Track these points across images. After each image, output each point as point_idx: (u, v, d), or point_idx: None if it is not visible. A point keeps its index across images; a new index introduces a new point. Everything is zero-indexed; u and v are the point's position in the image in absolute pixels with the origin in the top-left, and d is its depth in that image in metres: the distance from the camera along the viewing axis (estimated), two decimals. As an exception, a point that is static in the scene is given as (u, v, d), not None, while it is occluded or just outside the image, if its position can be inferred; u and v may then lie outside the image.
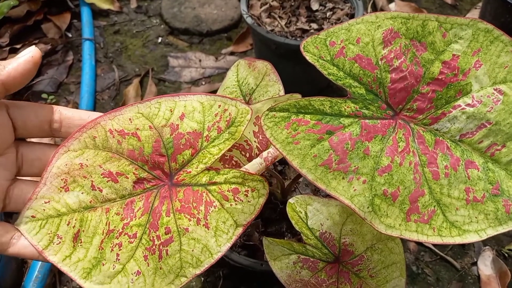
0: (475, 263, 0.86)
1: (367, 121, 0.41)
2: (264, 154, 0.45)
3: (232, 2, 1.34)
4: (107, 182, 0.43)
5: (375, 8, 1.38)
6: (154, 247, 0.41)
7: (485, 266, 0.85)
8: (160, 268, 0.41)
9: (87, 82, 1.07)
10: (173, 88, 1.14)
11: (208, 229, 0.41)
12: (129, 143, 0.43)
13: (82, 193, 0.43)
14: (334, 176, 0.39)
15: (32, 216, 0.43)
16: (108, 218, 0.43)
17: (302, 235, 0.48)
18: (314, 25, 0.99)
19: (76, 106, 1.05)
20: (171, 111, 0.43)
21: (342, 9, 1.02)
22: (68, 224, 0.42)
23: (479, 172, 0.40)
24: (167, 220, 0.42)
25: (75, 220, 0.43)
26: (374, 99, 0.42)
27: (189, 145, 0.43)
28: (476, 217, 0.39)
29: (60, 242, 0.42)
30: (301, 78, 1.02)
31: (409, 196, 0.39)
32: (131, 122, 0.43)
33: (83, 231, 0.42)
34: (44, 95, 1.07)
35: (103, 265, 0.42)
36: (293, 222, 0.48)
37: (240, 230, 0.40)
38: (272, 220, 0.68)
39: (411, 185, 0.39)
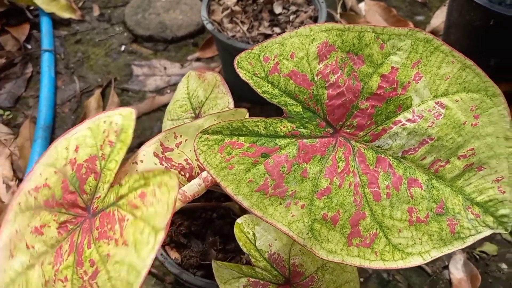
0: (446, 267, 0.85)
1: (305, 140, 0.39)
2: (204, 174, 0.42)
3: (197, 7, 1.31)
4: (36, 237, 0.43)
5: (344, 9, 1.37)
6: (84, 283, 0.39)
7: (456, 269, 0.84)
8: None
9: (45, 95, 1.03)
10: (137, 97, 1.10)
11: (128, 246, 0.38)
12: (43, 194, 0.43)
13: (22, 254, 0.43)
14: (271, 202, 0.37)
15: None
16: (43, 271, 0.42)
17: (250, 257, 0.46)
18: (277, 29, 0.96)
19: (34, 120, 1.01)
20: (67, 149, 0.42)
21: (305, 12, 1.00)
22: None
23: (422, 190, 0.38)
24: (89, 253, 0.39)
25: (24, 282, 0.43)
26: (312, 117, 0.39)
27: (90, 171, 0.41)
28: (419, 239, 0.37)
29: None
30: None
31: (350, 219, 0.37)
32: (41, 176, 0.43)
33: None
34: (0, 111, 1.03)
35: None
36: (240, 243, 0.46)
37: (161, 235, 0.37)
38: (231, 236, 0.66)
39: (351, 207, 0.37)
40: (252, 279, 0.47)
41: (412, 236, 0.37)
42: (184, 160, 0.47)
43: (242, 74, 0.40)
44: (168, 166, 0.46)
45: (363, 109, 0.39)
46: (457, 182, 0.39)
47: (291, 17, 0.99)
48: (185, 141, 0.47)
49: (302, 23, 0.98)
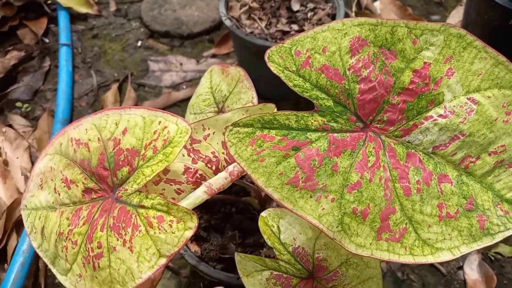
0: (461, 268, 0.84)
1: (335, 134, 0.39)
2: (230, 167, 0.43)
3: (213, 3, 1.31)
4: (63, 187, 0.46)
5: (360, 7, 1.36)
6: (89, 257, 0.42)
7: (471, 270, 0.84)
8: (96, 277, 0.41)
9: (63, 89, 1.04)
10: (153, 93, 1.11)
11: (132, 253, 0.39)
12: (81, 152, 0.44)
13: (49, 193, 0.47)
14: (301, 194, 0.37)
15: (25, 206, 0.49)
16: (60, 221, 0.45)
17: (274, 250, 0.46)
18: (295, 26, 0.96)
19: (52, 113, 1.02)
20: (116, 125, 0.43)
21: (323, 9, 1.00)
22: (39, 219, 0.47)
23: (452, 186, 0.38)
24: (100, 235, 0.41)
25: (43, 216, 0.47)
26: (343, 111, 0.40)
27: (127, 163, 0.42)
28: (449, 234, 0.37)
29: (35, 232, 0.47)
30: (282, 81, 1.00)
31: (379, 213, 0.37)
32: (86, 132, 0.43)
33: (46, 227, 0.46)
34: (18, 104, 1.04)
35: (60, 259, 0.45)
36: (265, 237, 0.46)
37: (163, 261, 0.38)
38: (251, 230, 0.66)
39: (381, 202, 0.37)
40: (276, 272, 0.47)
41: (442, 231, 0.37)
42: (211, 152, 0.47)
43: (274, 68, 0.40)
44: (196, 158, 0.46)
45: (394, 104, 0.39)
46: (487, 178, 0.39)
47: (309, 14, 0.99)
48: (213, 134, 0.47)
49: (320, 20, 0.97)
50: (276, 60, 0.40)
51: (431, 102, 0.39)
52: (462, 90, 0.39)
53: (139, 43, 1.24)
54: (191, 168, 0.46)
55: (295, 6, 0.99)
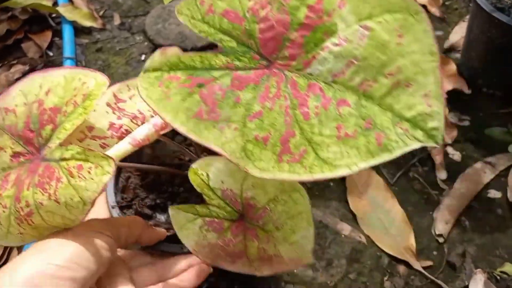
0: (466, 287, 0.83)
1: (239, 72, 0.42)
2: (154, 119, 0.46)
3: (206, 8, 1.37)
4: None
5: None
6: (21, 217, 0.44)
7: (477, 289, 0.81)
8: (36, 228, 0.43)
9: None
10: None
11: (60, 204, 0.42)
12: (9, 119, 0.47)
13: None
14: (206, 126, 0.40)
15: None
16: None
17: (204, 196, 0.49)
18: None
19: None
20: (41, 87, 0.46)
21: None
22: None
23: (351, 109, 0.40)
24: (26, 194, 0.44)
25: None
26: (246, 51, 0.43)
27: (50, 121, 0.45)
28: (347, 152, 0.39)
29: None
30: None
31: (280, 138, 0.40)
32: (13, 99, 0.46)
33: None
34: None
35: None
36: (195, 185, 0.49)
37: (88, 207, 0.41)
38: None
39: (282, 127, 0.40)
40: (208, 219, 0.49)
41: (341, 150, 0.39)
42: (137, 110, 0.51)
43: (182, 19, 0.44)
44: (121, 115, 0.50)
45: (293, 40, 0.42)
46: (386, 100, 0.40)
47: None
48: (137, 94, 0.51)
49: None
50: (185, 12, 0.44)
51: (325, 34, 0.41)
52: (354, 19, 0.41)
53: (143, 57, 1.30)
54: (115, 124, 0.50)
55: None
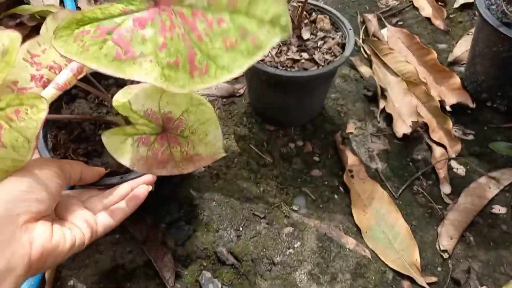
0: None
1: (136, 14, 0.51)
2: (71, 64, 0.53)
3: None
4: None
5: (367, 35, 1.37)
6: None
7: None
8: None
9: None
10: None
11: (7, 148, 0.49)
12: None
13: None
14: (127, 64, 0.50)
15: None
16: None
17: (130, 119, 0.60)
18: (305, 55, 0.97)
19: None
20: None
21: (333, 38, 1.01)
22: None
23: (228, 24, 0.54)
24: None
25: None
26: (134, -5, 0.52)
27: None
28: (236, 57, 0.54)
29: None
30: (292, 107, 1.05)
31: (187, 59, 0.52)
32: None
33: None
34: None
35: None
36: (120, 111, 0.59)
37: (33, 143, 0.49)
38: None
39: (185, 51, 0.52)
40: (136, 136, 0.61)
41: (231, 57, 0.54)
42: (52, 61, 0.57)
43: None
44: (39, 68, 0.56)
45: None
46: (249, 10, 0.55)
47: (319, 43, 1.01)
48: (49, 48, 0.57)
49: (329, 49, 1.00)
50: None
51: (194, -31, 0.53)
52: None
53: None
54: (36, 75, 0.56)
55: (305, 35, 1.00)
